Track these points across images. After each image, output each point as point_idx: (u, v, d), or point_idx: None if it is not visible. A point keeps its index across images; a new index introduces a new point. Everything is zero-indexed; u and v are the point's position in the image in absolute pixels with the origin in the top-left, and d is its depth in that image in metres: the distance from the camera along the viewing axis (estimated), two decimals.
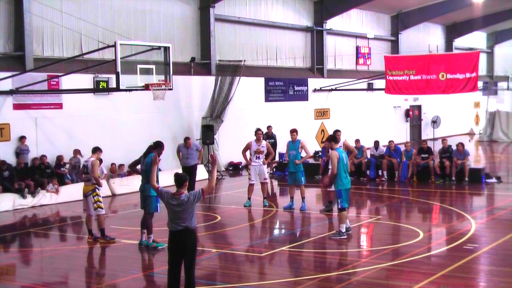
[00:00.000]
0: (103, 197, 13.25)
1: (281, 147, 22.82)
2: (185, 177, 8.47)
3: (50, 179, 17.88)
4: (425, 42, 36.10)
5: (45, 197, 17.53)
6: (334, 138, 13.03)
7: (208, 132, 22.33)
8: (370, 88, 31.65)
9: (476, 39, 44.32)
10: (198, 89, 23.85)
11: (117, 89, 15.86)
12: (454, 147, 20.26)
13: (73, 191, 17.59)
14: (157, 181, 9.21)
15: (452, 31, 40.95)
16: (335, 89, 30.03)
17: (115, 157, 19.83)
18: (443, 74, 23.22)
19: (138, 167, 13.05)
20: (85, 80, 19.51)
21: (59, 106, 19.25)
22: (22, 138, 18.12)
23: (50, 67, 18.24)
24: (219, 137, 23.66)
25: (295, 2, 29.16)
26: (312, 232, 13.85)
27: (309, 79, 29.46)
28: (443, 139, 21.60)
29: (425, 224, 14.39)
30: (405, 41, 36.23)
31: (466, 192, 18.80)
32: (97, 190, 12.55)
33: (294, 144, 15.73)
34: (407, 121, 36.56)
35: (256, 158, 16.23)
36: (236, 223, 14.63)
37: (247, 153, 16.42)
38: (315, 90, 29.64)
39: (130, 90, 16.30)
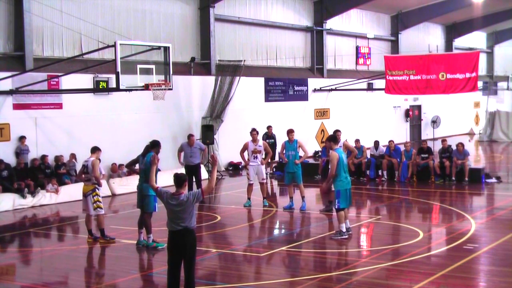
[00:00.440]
0: (103, 197, 13.25)
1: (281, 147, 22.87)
2: (185, 177, 8.48)
3: (50, 179, 17.89)
4: (425, 42, 36.09)
5: (45, 197, 17.53)
6: (334, 138, 13.03)
7: (208, 132, 22.32)
8: (370, 88, 31.66)
9: (476, 39, 44.33)
10: (198, 89, 23.85)
11: (117, 89, 15.85)
12: (454, 147, 20.27)
13: (73, 191, 17.59)
14: (156, 181, 9.21)
15: (452, 31, 40.95)
16: (335, 89, 30.03)
17: (115, 157, 19.82)
18: (443, 74, 23.22)
19: (136, 166, 13.04)
20: (85, 80, 19.51)
21: (59, 106, 19.25)
22: (22, 138, 18.12)
23: (50, 67, 18.24)
24: (219, 137, 23.66)
25: (295, 2, 29.16)
26: (312, 232, 13.85)
27: (309, 79, 29.46)
28: (443, 140, 21.59)
29: (425, 224, 14.39)
30: (405, 41, 36.24)
31: (466, 192, 18.81)
32: (97, 190, 12.55)
33: (292, 144, 15.75)
34: (407, 121, 36.56)
35: (254, 158, 16.27)
36: (236, 223, 14.63)
37: (245, 153, 16.46)
38: (315, 90, 29.64)
39: (130, 90, 16.30)
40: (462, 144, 20.25)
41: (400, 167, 20.48)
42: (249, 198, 16.44)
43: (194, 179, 17.01)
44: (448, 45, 40.65)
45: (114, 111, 20.64)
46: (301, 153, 15.85)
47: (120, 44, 15.66)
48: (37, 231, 14.31)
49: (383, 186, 19.97)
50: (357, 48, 33.31)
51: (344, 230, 12.48)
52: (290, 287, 9.72)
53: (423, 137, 35.58)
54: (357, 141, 21.09)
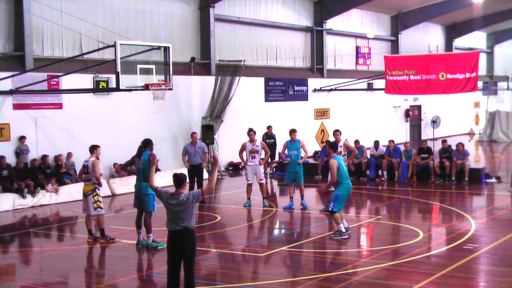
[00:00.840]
0: (103, 197, 13.24)
1: (281, 147, 22.84)
2: (184, 177, 8.48)
3: (49, 179, 17.89)
4: (425, 42, 36.10)
5: (45, 197, 17.53)
6: (334, 146, 13.04)
7: (208, 132, 22.32)
8: (370, 88, 31.65)
9: (476, 39, 44.33)
10: (198, 89, 23.85)
11: (117, 89, 15.85)
12: (454, 147, 20.27)
13: (73, 191, 17.59)
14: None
15: (452, 31, 40.95)
16: (335, 89, 30.04)
17: (115, 157, 19.82)
18: (443, 74, 23.21)
19: (133, 167, 13.03)
20: (85, 80, 19.51)
21: (59, 106, 19.25)
22: (22, 138, 18.12)
23: (50, 67, 18.23)
24: (219, 137, 23.66)
25: (295, 2, 29.16)
26: (312, 232, 13.86)
27: (309, 79, 29.46)
28: (443, 140, 21.59)
29: (425, 224, 14.39)
30: (405, 41, 36.24)
31: (466, 192, 18.81)
32: (97, 190, 12.54)
33: (294, 144, 15.77)
34: (407, 121, 36.56)
35: (252, 158, 16.30)
36: (236, 223, 14.63)
37: (244, 154, 16.49)
38: (315, 90, 29.64)
39: (130, 90, 16.29)
40: (462, 144, 20.25)
41: (400, 167, 20.49)
42: (249, 198, 16.45)
43: (196, 179, 16.95)
44: (448, 45, 40.66)
45: (114, 111, 20.64)
46: (302, 153, 15.87)
47: (120, 44, 15.66)
48: (37, 231, 14.31)
49: (383, 186, 19.97)
50: (357, 48, 33.31)
51: (343, 230, 12.49)
52: (290, 287, 9.72)
53: (423, 137, 35.56)
54: (356, 142, 21.00)
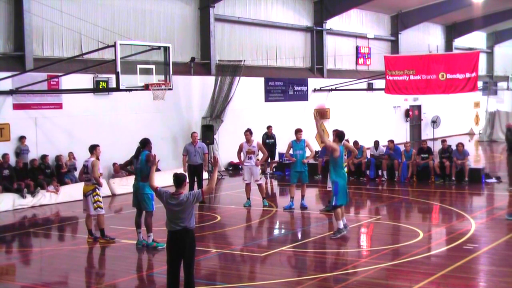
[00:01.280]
0: (103, 197, 13.24)
1: (281, 147, 22.84)
2: (184, 177, 8.49)
3: (50, 179, 17.88)
4: (425, 42, 36.09)
5: (45, 197, 17.54)
6: (340, 135, 13.05)
7: (208, 132, 22.31)
8: (370, 88, 31.65)
9: (476, 39, 44.33)
10: (198, 89, 23.85)
11: (117, 89, 15.85)
12: (454, 147, 20.27)
13: (73, 191, 17.59)
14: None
15: (452, 31, 40.96)
16: (335, 89, 30.04)
17: (115, 157, 19.82)
18: (443, 74, 23.22)
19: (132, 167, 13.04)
20: (85, 80, 19.51)
21: (59, 106, 19.25)
22: (22, 138, 18.12)
23: (50, 67, 18.24)
24: (219, 137, 23.66)
25: (295, 2, 29.16)
26: (312, 232, 13.86)
27: (309, 79, 29.47)
28: (443, 140, 21.58)
29: (425, 224, 14.39)
30: (405, 41, 36.24)
31: (466, 192, 18.81)
32: (97, 190, 12.55)
33: (299, 143, 15.78)
34: (407, 121, 36.57)
35: (248, 159, 16.31)
36: (236, 223, 14.63)
37: (242, 154, 16.52)
38: (315, 90, 29.65)
39: (130, 90, 16.30)
40: (462, 144, 20.25)
41: (400, 167, 20.48)
42: (248, 198, 16.45)
43: (196, 179, 16.94)
44: (448, 45, 40.66)
45: (114, 111, 20.64)
46: (308, 152, 15.88)
47: (120, 44, 15.66)
48: (37, 231, 14.31)
49: (383, 186, 19.97)
50: (357, 48, 33.31)
51: (341, 227, 12.50)
52: (290, 287, 9.71)
53: (423, 137, 35.55)
54: (355, 142, 20.91)
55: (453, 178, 19.78)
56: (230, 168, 24.53)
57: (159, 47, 17.45)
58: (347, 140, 16.91)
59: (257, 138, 21.80)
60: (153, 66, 16.50)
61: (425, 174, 20.28)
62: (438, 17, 36.84)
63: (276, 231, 14.40)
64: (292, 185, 16.02)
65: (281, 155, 23.47)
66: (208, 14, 24.18)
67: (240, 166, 23.98)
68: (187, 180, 12.49)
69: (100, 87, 19.82)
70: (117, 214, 16.40)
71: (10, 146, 18.00)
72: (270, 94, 27.38)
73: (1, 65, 18.18)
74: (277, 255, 11.56)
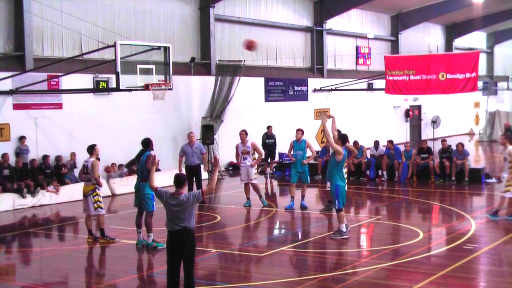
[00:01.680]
0: (103, 197, 13.24)
1: (281, 147, 22.86)
2: (185, 178, 8.50)
3: (50, 179, 17.88)
4: (425, 42, 36.10)
5: (45, 197, 17.53)
6: (343, 137, 13.04)
7: (208, 132, 22.32)
8: (370, 88, 31.65)
9: (476, 39, 44.33)
10: (198, 89, 23.85)
11: (117, 89, 15.85)
12: (454, 147, 20.27)
13: (73, 191, 17.59)
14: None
15: (452, 31, 40.96)
16: (335, 89, 30.04)
17: (115, 157, 19.84)
18: (443, 74, 23.22)
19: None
20: (85, 80, 19.51)
21: (59, 106, 19.26)
22: (22, 138, 18.13)
23: (50, 67, 18.24)
24: (219, 137, 23.66)
25: (295, 2, 29.16)
26: (312, 232, 13.85)
27: (309, 79, 29.47)
28: (443, 140, 21.58)
29: (425, 224, 14.39)
30: (405, 41, 36.24)
31: (466, 192, 18.81)
32: (97, 190, 12.55)
33: (300, 144, 15.74)
34: (407, 121, 36.57)
35: (243, 159, 16.30)
36: (236, 223, 14.63)
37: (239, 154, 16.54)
38: (315, 90, 29.65)
39: (130, 90, 16.30)
40: (462, 144, 20.25)
41: (400, 167, 20.48)
42: (248, 198, 16.44)
43: (194, 180, 16.89)
44: (448, 45, 40.66)
45: (114, 111, 20.64)
46: (308, 153, 15.85)
47: (120, 44, 15.66)
48: (37, 231, 14.31)
49: (383, 186, 19.97)
50: (357, 48, 33.32)
51: (344, 230, 12.49)
52: (290, 287, 9.71)
53: (423, 137, 35.57)
54: (355, 143, 20.88)
55: (453, 178, 19.78)
56: (230, 168, 24.52)
57: (159, 47, 17.46)
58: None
59: (257, 138, 21.87)
60: (153, 66, 16.51)
61: (425, 174, 20.28)
62: (438, 17, 36.84)
63: (276, 231, 14.39)
64: (292, 185, 16.01)
65: (281, 155, 23.46)
66: (208, 14, 24.18)
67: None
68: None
69: (100, 87, 19.82)
70: (117, 214, 16.39)
71: (10, 146, 18.00)
72: (270, 94, 27.38)
73: (1, 65, 18.18)
74: (277, 255, 11.56)
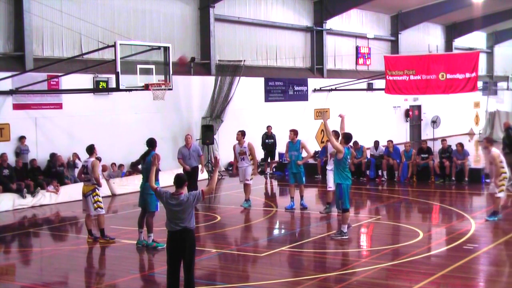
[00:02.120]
0: (103, 197, 13.25)
1: (281, 147, 22.85)
2: (185, 178, 8.50)
3: (50, 180, 17.87)
4: (425, 42, 36.09)
5: (44, 197, 17.53)
6: (347, 137, 13.03)
7: (208, 132, 22.32)
8: (370, 88, 31.65)
9: (476, 39, 44.32)
10: (198, 89, 23.85)
11: (117, 89, 15.85)
12: (454, 147, 20.27)
13: (73, 191, 17.58)
14: (158, 180, 9.19)
15: (452, 31, 40.95)
16: (335, 89, 30.03)
17: (115, 157, 19.84)
18: (443, 74, 23.22)
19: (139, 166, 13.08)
20: (85, 80, 19.51)
21: (59, 106, 19.26)
22: (22, 138, 18.13)
23: (50, 67, 18.24)
24: (219, 137, 23.66)
25: (295, 2, 29.16)
26: (312, 232, 13.85)
27: (309, 79, 29.46)
28: (443, 140, 21.58)
29: (425, 224, 14.39)
30: (405, 41, 36.23)
31: (466, 192, 18.81)
32: (97, 190, 12.55)
33: (295, 144, 15.72)
34: (407, 121, 36.56)
35: (240, 160, 16.32)
36: (236, 223, 14.63)
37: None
38: (315, 90, 29.64)
39: (130, 90, 16.30)
40: (461, 144, 20.25)
41: (400, 167, 20.49)
42: (248, 199, 16.44)
43: (190, 181, 16.78)
44: (448, 45, 40.66)
45: (114, 111, 20.64)
46: (304, 154, 15.84)
47: (120, 44, 15.66)
48: (37, 231, 14.31)
49: (383, 186, 19.97)
50: (357, 48, 33.31)
51: (345, 231, 12.49)
52: (290, 287, 9.71)
53: (423, 137, 35.57)
54: (355, 143, 20.82)
55: (453, 178, 19.78)
56: (230, 168, 24.47)
57: (159, 47, 17.45)
58: None
59: (257, 138, 21.89)
60: (153, 66, 16.50)
61: (425, 174, 20.28)
62: (438, 17, 36.82)
63: (276, 231, 14.39)
64: (291, 185, 16.02)
65: (281, 155, 23.46)
66: (208, 14, 24.18)
67: None
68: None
69: (100, 87, 19.82)
70: (117, 214, 16.40)
71: (10, 146, 18.00)
72: (270, 94, 27.38)
73: (1, 65, 18.18)
74: (277, 255, 11.57)
